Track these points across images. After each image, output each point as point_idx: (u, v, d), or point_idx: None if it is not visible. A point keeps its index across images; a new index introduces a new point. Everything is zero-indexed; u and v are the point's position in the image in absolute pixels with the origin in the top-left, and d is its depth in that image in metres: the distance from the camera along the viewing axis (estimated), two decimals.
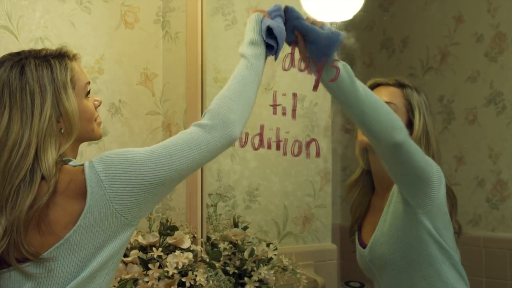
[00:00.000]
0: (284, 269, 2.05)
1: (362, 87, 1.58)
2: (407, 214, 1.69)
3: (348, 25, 2.24)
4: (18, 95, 1.31)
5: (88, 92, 1.42)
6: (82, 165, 1.32)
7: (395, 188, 1.74)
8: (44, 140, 1.30)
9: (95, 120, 1.44)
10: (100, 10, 2.22)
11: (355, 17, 2.17)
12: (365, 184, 1.90)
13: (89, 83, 1.43)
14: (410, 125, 1.77)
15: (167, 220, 2.00)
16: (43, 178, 1.28)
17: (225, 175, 2.27)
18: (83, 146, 1.63)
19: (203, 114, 1.43)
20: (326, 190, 2.44)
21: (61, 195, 1.28)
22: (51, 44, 2.10)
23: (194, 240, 1.96)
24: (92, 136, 1.45)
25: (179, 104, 2.24)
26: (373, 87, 1.83)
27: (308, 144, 1.76)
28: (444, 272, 1.70)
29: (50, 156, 1.29)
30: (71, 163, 1.35)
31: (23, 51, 1.37)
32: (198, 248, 1.94)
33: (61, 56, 1.38)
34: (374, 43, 2.99)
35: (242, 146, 2.11)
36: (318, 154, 1.76)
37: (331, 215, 2.46)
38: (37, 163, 1.29)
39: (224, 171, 2.27)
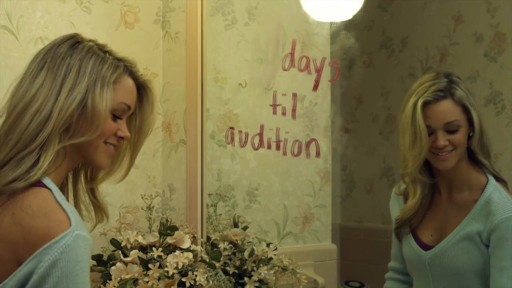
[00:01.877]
0: (284, 269, 2.06)
1: None
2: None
3: (348, 25, 2.24)
4: (59, 61, 1.23)
5: (118, 117, 1.29)
6: (69, 220, 1.13)
7: (484, 207, 1.71)
8: (61, 123, 1.20)
9: (105, 143, 1.29)
10: (100, 10, 2.22)
11: (355, 17, 2.18)
12: (428, 188, 1.84)
13: (128, 108, 1.31)
14: (470, 122, 1.75)
15: (167, 220, 2.00)
16: (34, 164, 1.17)
17: (225, 175, 2.27)
18: None
19: None
20: (326, 190, 2.44)
21: (17, 211, 1.13)
22: None
23: (194, 240, 1.96)
24: (93, 155, 1.29)
25: (179, 104, 2.24)
26: (423, 106, 1.73)
27: (308, 144, 1.76)
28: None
29: (54, 144, 1.20)
30: (57, 197, 1.18)
31: (92, 39, 1.31)
32: (198, 248, 1.94)
33: (120, 61, 1.30)
34: (373, 43, 2.99)
35: (242, 146, 2.12)
36: (318, 154, 1.77)
37: (331, 215, 2.46)
38: (44, 142, 1.19)
39: (224, 171, 2.27)
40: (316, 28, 2.33)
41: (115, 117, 1.29)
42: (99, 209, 1.39)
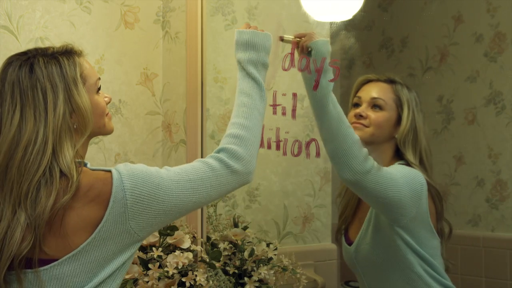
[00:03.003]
0: (284, 269, 2.06)
1: (335, 110, 1.63)
2: (386, 222, 1.73)
3: (348, 25, 2.24)
4: (30, 93, 1.30)
5: (99, 88, 1.42)
6: (105, 171, 1.32)
7: None
8: (60, 136, 1.30)
9: (106, 115, 1.44)
10: (100, 10, 2.22)
11: (355, 17, 2.18)
12: None
13: (99, 79, 1.43)
14: (399, 120, 1.81)
15: None
16: (62, 175, 1.28)
17: None
18: None
19: (225, 146, 1.43)
20: (326, 190, 2.44)
21: (79, 198, 1.28)
22: (51, 44, 2.10)
23: (194, 240, 1.96)
24: (103, 131, 1.45)
25: (179, 104, 2.24)
26: (364, 83, 1.89)
27: (308, 144, 1.76)
28: (427, 279, 1.72)
29: (67, 153, 1.30)
30: (88, 165, 1.36)
31: (30, 50, 1.37)
32: (198, 248, 1.94)
33: (68, 53, 1.38)
34: (373, 43, 2.99)
35: None
36: (318, 154, 1.76)
37: (331, 215, 2.46)
38: (55, 160, 1.29)
39: None
40: (316, 28, 2.33)
41: (98, 91, 1.42)
42: None
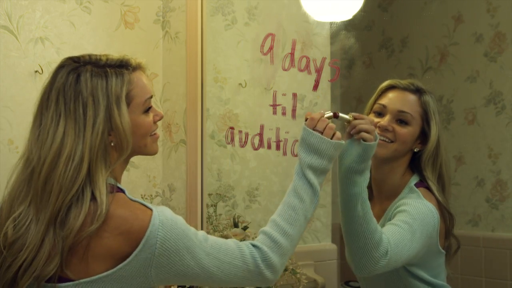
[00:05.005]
0: (284, 269, 2.05)
1: (365, 212, 1.52)
2: None
3: (348, 25, 2.24)
4: (72, 105, 1.27)
5: (149, 108, 1.36)
6: (146, 206, 1.27)
7: (392, 208, 1.69)
8: (96, 156, 1.27)
9: (151, 135, 1.39)
10: (100, 10, 2.22)
11: (355, 17, 2.18)
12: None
13: (150, 97, 1.37)
14: (423, 135, 1.72)
15: None
16: (92, 197, 1.24)
17: (225, 175, 2.27)
18: None
19: (261, 246, 1.35)
20: (326, 190, 2.44)
21: (108, 228, 1.24)
22: (51, 44, 2.10)
23: None
24: (144, 151, 1.39)
25: (179, 104, 2.24)
26: (388, 88, 1.77)
27: None
28: None
29: (101, 175, 1.26)
30: (126, 193, 1.31)
31: (84, 56, 1.33)
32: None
33: (121, 67, 1.32)
34: (373, 43, 2.99)
35: (242, 146, 2.12)
36: None
37: (331, 215, 2.46)
38: (88, 180, 1.25)
39: (224, 171, 2.27)
40: (316, 28, 2.33)
41: (148, 110, 1.36)
42: None
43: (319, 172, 1.42)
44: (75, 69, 1.30)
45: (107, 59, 1.33)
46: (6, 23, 2.04)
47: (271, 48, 1.71)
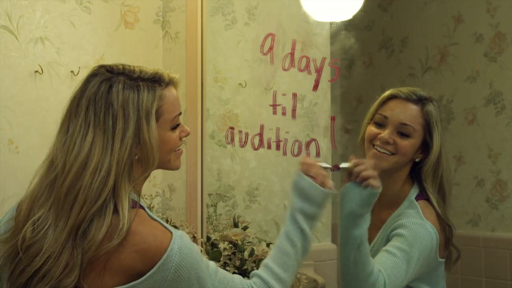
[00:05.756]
0: None
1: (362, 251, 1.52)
2: None
3: (348, 25, 2.24)
4: (102, 116, 1.26)
5: (177, 125, 1.37)
6: (165, 228, 1.27)
7: (391, 223, 1.68)
8: (123, 170, 1.25)
9: (175, 151, 1.38)
10: (100, 10, 2.22)
11: (355, 17, 2.17)
12: None
13: (179, 114, 1.37)
14: (425, 144, 1.69)
15: (167, 220, 2.00)
16: (115, 211, 1.23)
17: (225, 175, 2.27)
18: None
19: (270, 282, 1.38)
20: None
21: (127, 243, 1.23)
22: (51, 44, 2.10)
23: (194, 240, 1.96)
24: (167, 166, 1.39)
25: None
26: (389, 98, 1.72)
27: (308, 144, 1.76)
28: None
29: (124, 189, 1.25)
30: (146, 209, 1.30)
31: (118, 66, 1.32)
32: (198, 248, 1.94)
33: (154, 81, 1.31)
34: (373, 43, 2.99)
35: (242, 146, 2.12)
36: (318, 154, 1.76)
37: (331, 215, 2.46)
38: (112, 194, 1.24)
39: (224, 171, 2.27)
40: (316, 28, 2.33)
41: (175, 127, 1.36)
42: None
43: (310, 217, 1.43)
44: (108, 79, 1.29)
45: (140, 72, 1.32)
46: (6, 23, 2.04)
47: (271, 48, 1.71)
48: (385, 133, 1.67)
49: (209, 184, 2.19)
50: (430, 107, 1.70)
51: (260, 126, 1.96)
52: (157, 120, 1.30)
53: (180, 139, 1.39)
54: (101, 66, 1.32)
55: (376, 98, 1.76)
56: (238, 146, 2.15)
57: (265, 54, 1.73)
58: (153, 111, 1.29)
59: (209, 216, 2.15)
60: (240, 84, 2.30)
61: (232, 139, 2.10)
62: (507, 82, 2.64)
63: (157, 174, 2.29)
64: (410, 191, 1.70)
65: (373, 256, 1.60)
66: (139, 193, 1.34)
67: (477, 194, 2.72)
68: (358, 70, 2.82)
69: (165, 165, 1.38)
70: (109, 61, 2.21)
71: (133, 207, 1.27)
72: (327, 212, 2.47)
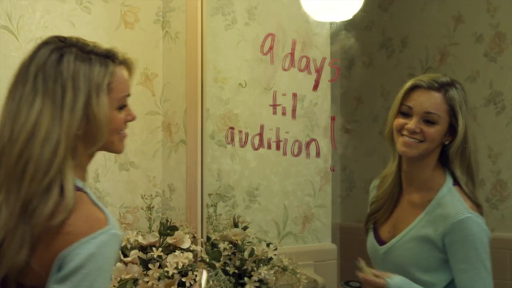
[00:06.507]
0: (284, 269, 2.06)
1: None
2: (436, 249, 1.73)
3: (348, 25, 2.24)
4: (51, 84, 1.21)
5: (124, 106, 1.32)
6: (103, 213, 1.20)
7: (432, 211, 1.74)
8: (72, 143, 1.21)
9: (119, 133, 1.32)
10: (100, 10, 2.22)
11: (355, 17, 2.18)
12: (395, 180, 1.85)
13: (128, 95, 1.33)
14: (452, 128, 1.74)
15: (167, 220, 2.00)
16: (60, 186, 1.18)
17: (225, 175, 2.27)
18: None
19: None
20: (326, 190, 2.44)
21: (63, 224, 1.17)
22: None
23: (194, 240, 1.96)
24: (111, 148, 1.32)
25: (179, 104, 2.24)
26: (412, 88, 1.76)
27: (308, 144, 1.76)
28: None
29: (70, 164, 1.20)
30: (89, 193, 1.24)
31: (71, 38, 1.28)
32: (198, 248, 1.94)
33: (107, 57, 1.28)
34: (373, 43, 2.99)
35: (242, 146, 2.12)
36: (318, 154, 1.77)
37: (331, 215, 2.46)
38: (61, 168, 1.19)
39: (224, 171, 2.27)
40: (316, 28, 2.33)
41: (122, 107, 1.31)
42: None
43: None
44: (60, 48, 1.25)
45: (94, 46, 1.29)
46: (6, 23, 2.04)
47: (271, 48, 1.72)
48: (411, 123, 1.72)
49: (209, 184, 2.19)
50: (453, 92, 1.74)
51: (260, 126, 1.97)
52: (106, 95, 1.26)
53: (125, 122, 1.33)
54: (55, 36, 1.29)
55: (398, 90, 1.80)
56: (238, 146, 2.15)
57: (265, 54, 1.74)
58: (104, 86, 1.25)
59: (209, 216, 2.15)
60: (240, 84, 2.30)
61: (232, 139, 2.10)
62: (507, 82, 2.63)
63: (157, 174, 2.30)
64: (446, 178, 1.76)
65: (410, 240, 1.73)
66: (83, 177, 1.27)
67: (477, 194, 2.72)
68: (358, 70, 2.81)
69: (108, 147, 1.31)
70: None
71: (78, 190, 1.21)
72: (327, 212, 2.47)
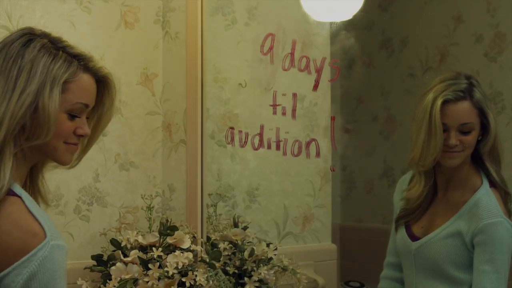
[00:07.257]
0: (284, 269, 2.06)
1: None
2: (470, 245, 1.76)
3: (348, 25, 2.24)
4: (10, 63, 1.20)
5: (75, 116, 1.26)
6: (40, 225, 1.14)
7: (467, 211, 1.77)
8: (14, 129, 1.17)
9: (66, 142, 1.26)
10: (100, 10, 2.22)
11: (355, 17, 2.18)
12: (430, 180, 1.88)
13: (84, 106, 1.26)
14: (483, 126, 1.80)
15: (167, 220, 2.00)
16: None
17: (225, 175, 2.27)
18: None
19: None
20: (326, 190, 2.44)
21: None
22: None
23: (194, 240, 1.96)
24: (55, 155, 1.26)
25: (179, 104, 2.24)
26: (441, 104, 1.76)
27: (308, 144, 1.77)
28: None
29: (9, 149, 1.16)
30: (28, 204, 1.17)
31: (49, 33, 1.28)
32: (198, 248, 1.94)
33: (77, 59, 1.26)
34: (373, 43, 2.99)
35: (242, 146, 2.12)
36: (318, 154, 1.77)
37: (331, 215, 2.46)
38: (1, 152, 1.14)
39: (224, 171, 2.27)
40: (316, 28, 2.33)
41: (73, 116, 1.26)
42: (41, 197, 1.34)
43: None
44: (32, 34, 1.25)
45: (68, 45, 1.27)
46: (6, 23, 2.03)
47: (271, 48, 1.72)
48: (451, 139, 1.76)
49: (209, 184, 2.19)
50: (477, 94, 1.78)
51: (260, 126, 1.97)
52: (60, 92, 1.21)
53: (75, 134, 1.27)
54: (34, 28, 1.28)
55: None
56: (238, 146, 2.15)
57: (265, 54, 1.74)
58: (61, 82, 1.21)
59: (209, 216, 2.15)
60: (240, 84, 2.30)
61: (232, 139, 2.10)
62: (507, 82, 2.63)
63: (157, 174, 2.30)
64: (482, 178, 1.81)
65: (445, 237, 1.76)
66: (22, 178, 1.23)
67: None
68: (358, 70, 2.81)
69: (52, 153, 1.25)
70: (109, 61, 2.22)
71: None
72: (327, 212, 2.47)
